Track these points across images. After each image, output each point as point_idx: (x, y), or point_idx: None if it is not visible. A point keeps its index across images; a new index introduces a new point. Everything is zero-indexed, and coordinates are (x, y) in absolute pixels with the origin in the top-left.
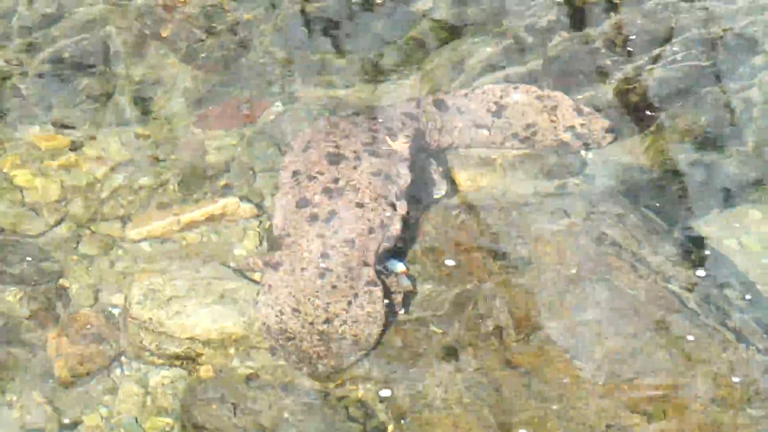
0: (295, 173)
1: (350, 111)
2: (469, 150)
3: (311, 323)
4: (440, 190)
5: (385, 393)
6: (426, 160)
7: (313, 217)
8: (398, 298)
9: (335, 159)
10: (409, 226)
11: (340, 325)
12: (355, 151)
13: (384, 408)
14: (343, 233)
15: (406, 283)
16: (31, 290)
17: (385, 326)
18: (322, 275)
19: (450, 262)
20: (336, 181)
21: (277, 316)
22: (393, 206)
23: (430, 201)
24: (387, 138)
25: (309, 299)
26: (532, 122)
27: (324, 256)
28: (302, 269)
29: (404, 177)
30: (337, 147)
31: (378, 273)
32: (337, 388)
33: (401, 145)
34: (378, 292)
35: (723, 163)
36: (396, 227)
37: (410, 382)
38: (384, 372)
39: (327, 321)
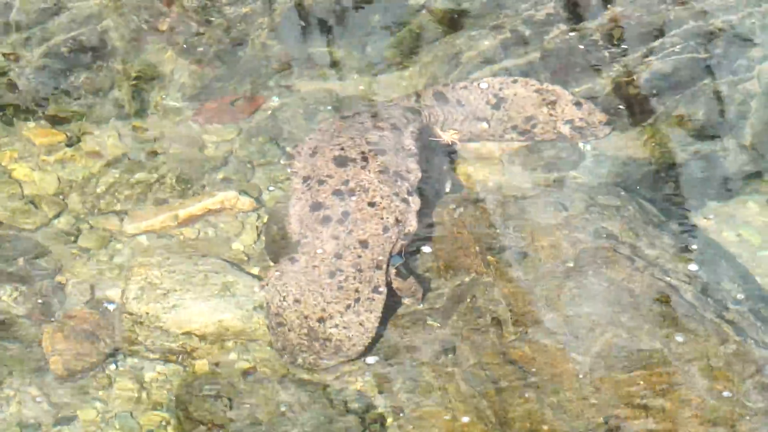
0: (305, 179)
1: (352, 112)
2: (467, 143)
3: (306, 317)
4: (446, 188)
5: (371, 360)
6: (431, 156)
7: (327, 219)
8: (412, 300)
9: (343, 161)
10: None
11: (331, 327)
12: (362, 152)
13: (382, 401)
14: (357, 234)
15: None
16: (28, 286)
17: (374, 339)
18: (332, 274)
19: (426, 249)
20: (346, 182)
21: (279, 301)
22: (406, 202)
23: (440, 196)
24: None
25: (312, 293)
26: (531, 115)
27: (337, 256)
28: (314, 266)
29: (414, 172)
30: (343, 149)
31: (396, 274)
32: (335, 380)
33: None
34: (380, 300)
35: (721, 155)
36: (411, 223)
37: (408, 375)
38: (382, 365)
39: (321, 320)
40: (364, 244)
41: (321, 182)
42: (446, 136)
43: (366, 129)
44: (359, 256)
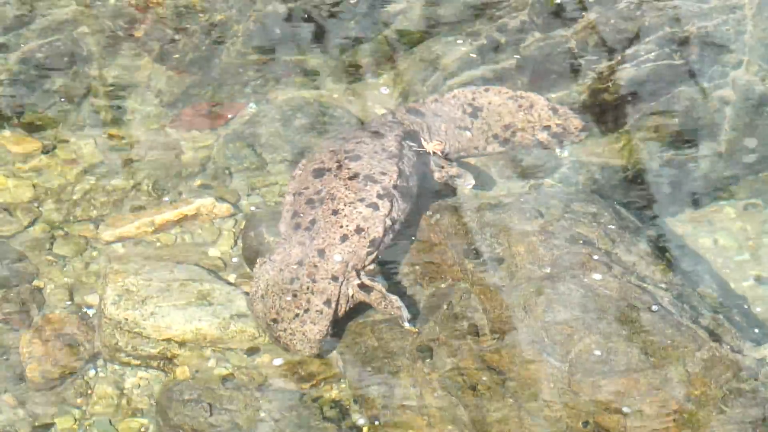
0: (295, 195)
1: (337, 133)
2: (452, 157)
3: (265, 314)
4: (469, 181)
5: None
6: (440, 159)
7: (297, 226)
8: (399, 315)
9: (320, 173)
10: (403, 226)
11: (281, 330)
12: (337, 161)
13: (359, 408)
14: (317, 242)
15: (383, 284)
16: (5, 292)
17: (320, 350)
18: (293, 280)
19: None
20: (318, 192)
21: (255, 289)
22: (374, 207)
23: (448, 197)
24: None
25: (272, 295)
26: (509, 123)
27: (299, 263)
28: (281, 270)
29: (390, 173)
30: (322, 162)
31: (360, 286)
32: (312, 388)
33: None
34: (328, 313)
35: (697, 161)
36: (377, 230)
37: (385, 382)
38: (358, 372)
39: (274, 320)
40: (321, 252)
41: (300, 194)
42: (428, 147)
43: (345, 140)
44: (315, 266)
